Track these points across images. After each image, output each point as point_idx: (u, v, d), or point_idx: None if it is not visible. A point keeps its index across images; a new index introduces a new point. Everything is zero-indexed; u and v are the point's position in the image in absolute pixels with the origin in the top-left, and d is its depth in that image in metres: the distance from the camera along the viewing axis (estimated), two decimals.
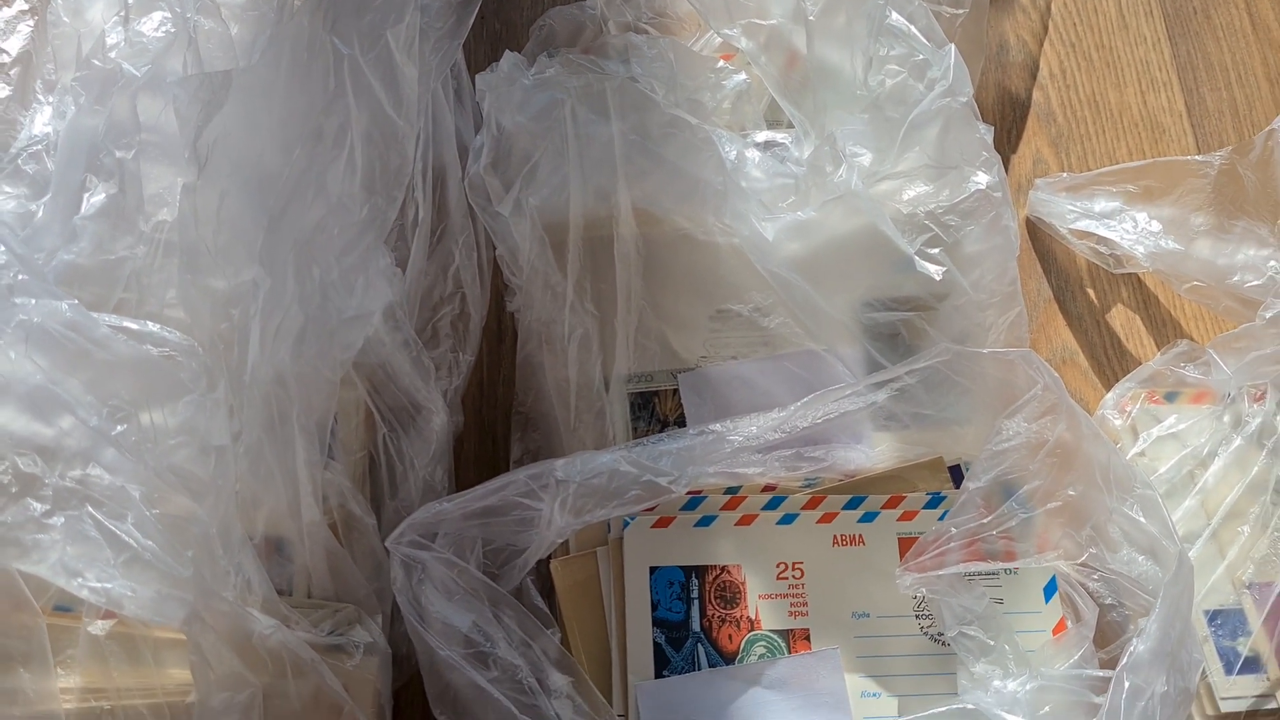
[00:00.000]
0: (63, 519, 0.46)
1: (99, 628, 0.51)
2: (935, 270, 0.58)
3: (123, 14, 0.58)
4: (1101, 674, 0.54)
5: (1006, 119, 0.81)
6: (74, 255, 0.55)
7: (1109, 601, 0.60)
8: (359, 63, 0.52)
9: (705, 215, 0.64)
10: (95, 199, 0.55)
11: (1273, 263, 0.66)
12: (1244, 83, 0.83)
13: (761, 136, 0.68)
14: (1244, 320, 0.68)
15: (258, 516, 0.55)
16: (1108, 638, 0.60)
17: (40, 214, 0.55)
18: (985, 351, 0.58)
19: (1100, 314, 0.74)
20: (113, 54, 0.57)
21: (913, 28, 0.61)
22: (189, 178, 0.55)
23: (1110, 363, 0.73)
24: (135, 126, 0.56)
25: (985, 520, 0.57)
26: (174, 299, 0.57)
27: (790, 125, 0.67)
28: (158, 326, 0.53)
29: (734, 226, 0.62)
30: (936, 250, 0.59)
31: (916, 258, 0.58)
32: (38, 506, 0.46)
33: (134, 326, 0.52)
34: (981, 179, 0.59)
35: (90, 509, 0.47)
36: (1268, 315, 0.65)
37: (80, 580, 0.45)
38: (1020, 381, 0.59)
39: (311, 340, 0.53)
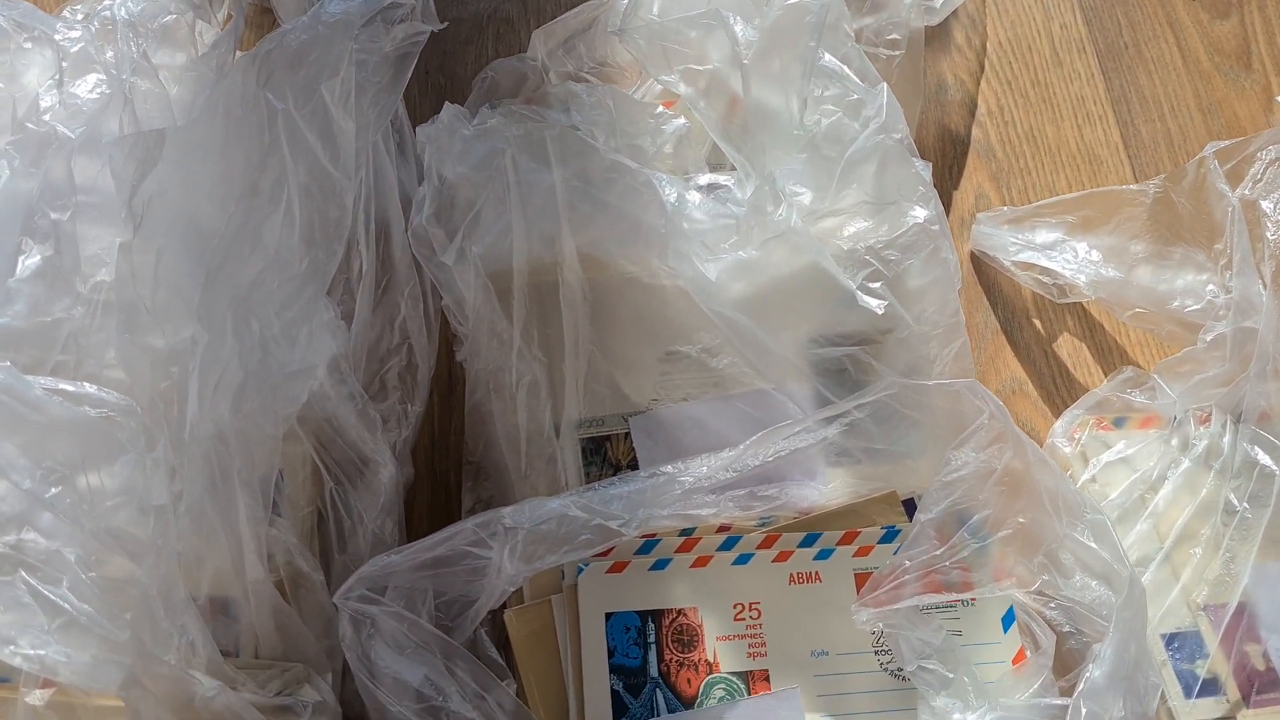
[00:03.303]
0: None
1: (37, 698, 0.50)
2: (877, 304, 0.58)
3: (57, 77, 0.58)
4: (1060, 702, 0.54)
5: (947, 156, 0.82)
6: (9, 319, 0.54)
7: (1067, 629, 0.60)
8: (293, 117, 0.53)
9: (650, 258, 0.64)
10: (30, 261, 0.55)
11: (1211, 286, 0.67)
12: (1177, 114, 0.85)
13: (704, 179, 0.68)
14: (1186, 344, 0.68)
15: (202, 576, 0.54)
16: (1068, 665, 0.60)
17: None
18: (930, 383, 0.58)
19: (1047, 343, 0.75)
20: (47, 117, 0.57)
21: (846, 69, 0.62)
22: (125, 236, 0.54)
23: (1059, 391, 0.73)
24: (71, 188, 0.56)
25: (939, 551, 0.57)
26: (113, 359, 0.56)
27: (733, 167, 0.68)
28: (95, 387, 0.52)
29: (677, 268, 0.62)
30: (878, 285, 0.59)
31: (858, 293, 0.59)
32: None
33: (70, 388, 0.51)
34: (919, 213, 0.60)
35: (24, 574, 0.46)
36: (1208, 338, 0.65)
37: (13, 648, 0.44)
38: (967, 412, 0.59)
39: (252, 395, 0.53)
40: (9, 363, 0.48)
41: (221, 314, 0.52)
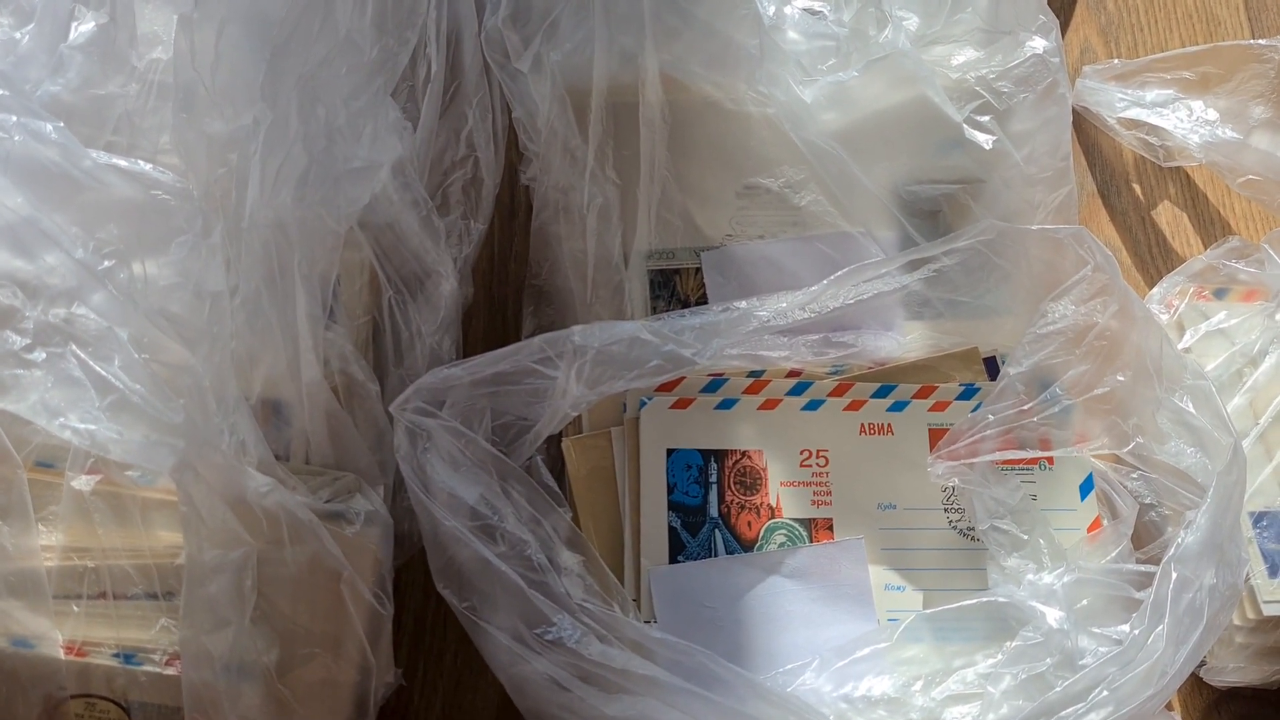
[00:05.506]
0: (44, 355, 0.43)
1: (83, 483, 0.48)
2: (985, 139, 0.54)
3: None
4: (1144, 568, 0.52)
5: (1054, 5, 0.76)
6: (60, 88, 0.51)
7: (1147, 501, 0.57)
8: None
9: (737, 82, 0.60)
10: (84, 28, 0.51)
11: None
12: None
13: (799, 4, 0.63)
14: None
15: (255, 376, 0.52)
16: (1143, 540, 0.57)
17: (25, 42, 0.51)
18: (1034, 229, 0.54)
19: (1145, 210, 0.71)
20: None
21: None
22: (185, 8, 0.50)
23: (1154, 261, 0.69)
24: None
25: (1026, 407, 0.54)
26: (167, 144, 0.53)
27: None
28: (150, 166, 0.49)
29: (769, 92, 0.58)
30: (987, 118, 0.55)
31: (965, 126, 0.54)
32: (17, 340, 0.43)
33: (124, 164, 0.48)
34: (1038, 44, 0.55)
35: (75, 348, 0.43)
36: None
37: (62, 420, 0.42)
38: (1068, 265, 0.55)
39: (315, 185, 0.49)
40: (63, 123, 0.45)
41: (287, 94, 0.48)
